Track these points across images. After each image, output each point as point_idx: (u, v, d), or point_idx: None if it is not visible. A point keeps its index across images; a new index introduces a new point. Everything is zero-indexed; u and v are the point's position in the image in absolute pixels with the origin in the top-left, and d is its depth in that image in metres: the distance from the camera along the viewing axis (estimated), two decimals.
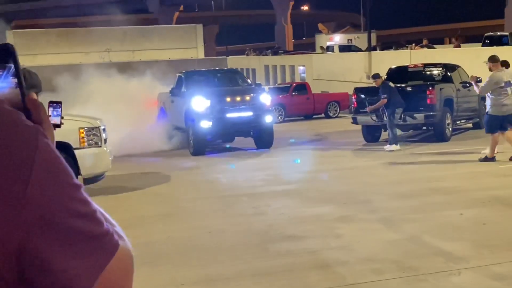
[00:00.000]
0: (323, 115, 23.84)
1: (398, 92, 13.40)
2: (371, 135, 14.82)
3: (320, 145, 14.83)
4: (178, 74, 15.83)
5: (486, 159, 10.83)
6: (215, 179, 10.80)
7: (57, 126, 3.64)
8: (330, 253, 6.06)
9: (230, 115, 13.71)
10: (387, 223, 7.09)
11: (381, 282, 5.20)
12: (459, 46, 25.27)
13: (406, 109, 13.46)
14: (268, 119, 14.07)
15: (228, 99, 13.82)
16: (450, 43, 70.00)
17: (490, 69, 10.76)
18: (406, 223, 7.01)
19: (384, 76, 14.25)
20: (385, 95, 13.05)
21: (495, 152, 10.78)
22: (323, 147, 14.46)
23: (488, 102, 10.88)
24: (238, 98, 13.90)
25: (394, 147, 12.95)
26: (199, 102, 13.68)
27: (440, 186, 9.02)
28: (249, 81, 16.29)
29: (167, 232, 7.23)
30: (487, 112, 10.94)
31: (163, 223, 7.73)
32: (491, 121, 10.70)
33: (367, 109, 13.74)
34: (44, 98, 3.26)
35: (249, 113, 13.83)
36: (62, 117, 3.63)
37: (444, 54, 21.99)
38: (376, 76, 13.49)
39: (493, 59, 10.80)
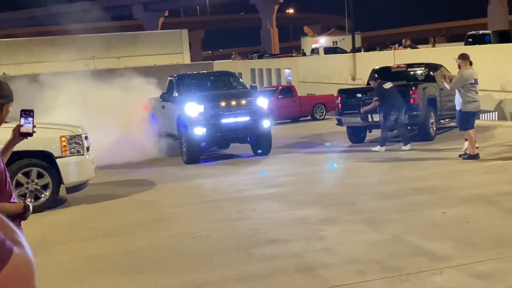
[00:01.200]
0: (309, 117, 23.88)
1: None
2: (356, 136, 14.85)
3: (307, 148, 14.79)
4: (169, 78, 15.07)
5: (470, 156, 10.88)
6: (200, 185, 10.76)
7: (29, 134, 3.60)
8: (314, 256, 6.04)
9: (225, 120, 12.99)
10: (371, 224, 7.09)
11: (364, 283, 5.20)
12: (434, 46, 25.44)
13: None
14: (266, 124, 13.33)
15: (223, 103, 13.06)
16: (434, 42, 70.55)
17: (459, 67, 11.06)
18: (390, 224, 7.01)
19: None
20: (376, 98, 13.11)
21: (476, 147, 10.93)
22: (309, 150, 14.42)
23: (458, 100, 11.08)
24: (233, 102, 13.15)
25: (379, 148, 12.98)
26: (192, 107, 12.99)
27: (424, 186, 9.04)
28: (244, 84, 15.53)
29: (150, 239, 7.18)
30: (459, 109, 11.11)
31: (146, 230, 7.68)
32: (464, 118, 10.94)
33: (362, 110, 13.74)
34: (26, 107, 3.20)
35: (245, 118, 13.11)
36: (34, 126, 3.58)
37: (427, 54, 22.11)
38: (372, 78, 13.53)
39: (463, 57, 11.08)
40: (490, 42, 22.40)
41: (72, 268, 6.38)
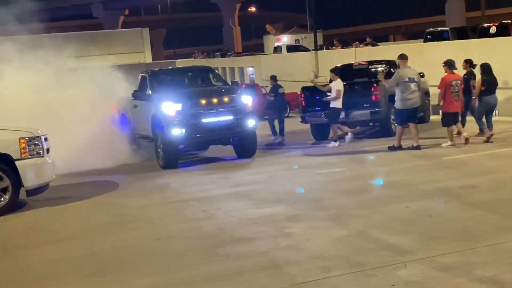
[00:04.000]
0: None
1: (345, 90, 13.50)
2: (320, 133, 14.92)
3: (271, 146, 14.78)
4: (142, 74, 13.72)
5: (393, 147, 11.77)
6: (165, 185, 10.63)
7: None
8: (280, 253, 6.03)
9: (206, 120, 11.84)
10: (336, 220, 7.12)
11: (330, 279, 5.21)
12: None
13: (351, 106, 13.63)
14: (251, 123, 12.25)
15: (203, 101, 11.87)
16: (394, 40, 71.72)
17: (399, 66, 11.99)
18: (355, 219, 7.06)
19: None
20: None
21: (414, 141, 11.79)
22: (273, 148, 14.42)
23: (395, 97, 11.86)
24: (215, 100, 11.96)
25: (332, 144, 13.26)
26: (169, 106, 11.79)
27: (387, 181, 9.14)
28: (225, 80, 14.26)
29: (114, 242, 7.06)
30: (394, 106, 11.98)
31: (109, 232, 7.55)
32: (399, 115, 11.87)
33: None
34: None
35: (228, 117, 12.00)
36: None
37: (387, 51, 22.37)
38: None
39: (402, 57, 12.00)
40: (448, 39, 22.82)
41: (34, 273, 6.21)
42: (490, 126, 12.38)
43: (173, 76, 14.03)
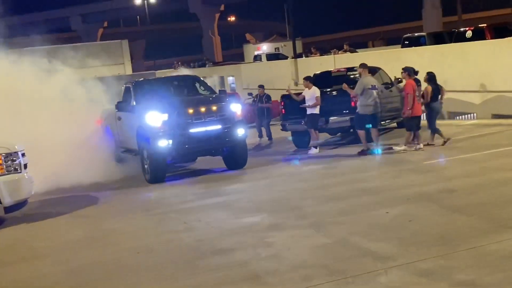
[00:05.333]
0: (254, 124, 23.85)
1: (324, 97, 13.57)
2: (301, 141, 14.94)
3: (250, 154, 14.64)
4: (125, 85, 13.17)
5: (362, 152, 12.22)
6: (144, 198, 10.54)
7: None
8: (261, 263, 6.00)
9: (194, 130, 11.34)
10: (317, 227, 7.11)
11: None
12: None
13: (331, 113, 13.69)
14: (241, 132, 11.78)
15: (191, 110, 11.34)
16: (373, 46, 72.36)
17: (360, 74, 12.67)
18: (335, 226, 7.05)
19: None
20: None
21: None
22: (253, 156, 14.28)
23: (358, 103, 12.43)
24: (203, 109, 11.46)
25: (314, 150, 13.32)
26: (154, 116, 11.27)
27: (367, 187, 9.16)
28: (212, 88, 13.68)
29: (94, 256, 6.97)
30: (356, 111, 12.52)
31: (88, 247, 7.45)
32: (359, 119, 12.41)
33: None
34: None
35: (217, 127, 11.50)
36: None
37: (366, 57, 22.52)
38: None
39: (363, 66, 12.69)
40: (425, 44, 23.06)
41: None
42: (433, 130, 12.59)
43: (158, 85, 13.44)
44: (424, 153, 11.63)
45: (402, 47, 24.44)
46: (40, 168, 10.50)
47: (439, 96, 12.76)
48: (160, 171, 11.55)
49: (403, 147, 12.05)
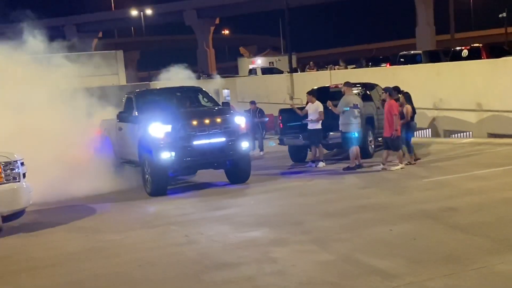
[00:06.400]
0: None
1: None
2: (297, 155, 14.94)
3: (261, 169, 14.35)
4: (127, 95, 12.95)
5: (348, 168, 12.46)
6: (143, 209, 10.46)
7: None
8: (267, 279, 5.94)
9: (198, 142, 11.11)
10: (320, 243, 7.07)
11: None
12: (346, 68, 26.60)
13: (329, 128, 13.71)
14: (245, 145, 11.57)
15: (195, 122, 11.15)
16: (365, 62, 72.93)
17: (344, 92, 12.95)
18: (339, 243, 7.02)
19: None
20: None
21: (357, 162, 12.60)
22: (263, 171, 13.67)
23: (340, 121, 12.74)
24: (206, 121, 11.26)
25: (321, 163, 13.43)
26: (157, 128, 11.04)
27: (368, 203, 9.14)
28: (215, 100, 13.46)
29: (94, 269, 6.87)
30: (340, 130, 12.84)
31: (88, 259, 7.35)
32: (345, 137, 12.74)
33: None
34: None
35: (221, 139, 11.28)
36: None
37: (362, 74, 22.67)
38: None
39: (347, 84, 13.09)
40: (421, 62, 23.25)
41: None
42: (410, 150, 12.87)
43: (161, 96, 13.28)
44: (422, 171, 11.66)
45: (397, 64, 24.62)
46: (38, 178, 10.35)
47: (415, 115, 13.23)
48: (162, 184, 11.32)
49: (400, 166, 12.07)
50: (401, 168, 12.00)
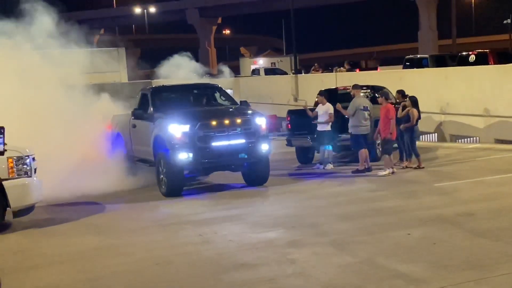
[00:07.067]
0: None
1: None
2: (305, 156, 14.88)
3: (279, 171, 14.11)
4: (142, 91, 12.57)
5: (358, 171, 12.31)
6: (154, 207, 10.37)
7: (0, 153, 3.29)
8: (288, 281, 5.89)
9: (216, 143, 10.70)
10: (338, 246, 7.02)
11: None
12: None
13: (338, 130, 13.65)
14: (265, 147, 11.12)
15: (214, 122, 10.75)
16: (366, 65, 72.87)
17: (353, 95, 12.84)
18: (357, 245, 6.96)
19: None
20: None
21: (366, 165, 12.41)
22: (281, 173, 13.23)
23: (349, 124, 12.65)
24: (226, 121, 10.83)
25: (329, 166, 13.35)
26: (175, 127, 10.66)
27: (382, 206, 9.09)
28: (234, 99, 12.95)
29: (111, 266, 6.81)
30: (350, 132, 12.71)
31: (103, 256, 7.30)
32: (355, 139, 12.62)
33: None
34: None
35: (241, 141, 10.87)
36: (5, 143, 3.27)
37: (367, 76, 22.59)
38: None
39: (356, 87, 13.08)
40: (427, 66, 23.21)
41: None
42: (417, 153, 12.73)
43: (177, 93, 12.79)
44: (431, 175, 11.60)
45: (403, 68, 24.58)
46: (50, 174, 10.26)
47: (419, 120, 13.14)
48: (178, 185, 10.97)
49: (387, 171, 11.98)
50: (389, 174, 11.90)
